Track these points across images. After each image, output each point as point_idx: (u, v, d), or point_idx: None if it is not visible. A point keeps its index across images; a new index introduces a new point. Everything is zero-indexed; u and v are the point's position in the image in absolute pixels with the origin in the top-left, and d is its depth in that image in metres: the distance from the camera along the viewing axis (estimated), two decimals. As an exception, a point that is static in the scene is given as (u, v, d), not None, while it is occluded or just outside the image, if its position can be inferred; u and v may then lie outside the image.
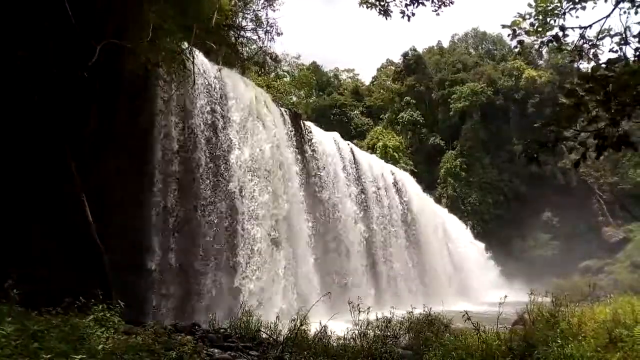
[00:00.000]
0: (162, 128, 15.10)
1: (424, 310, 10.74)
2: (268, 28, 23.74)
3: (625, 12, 5.39)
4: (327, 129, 29.16)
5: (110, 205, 13.11)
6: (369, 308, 9.01)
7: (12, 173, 11.37)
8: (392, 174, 32.32)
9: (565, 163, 45.88)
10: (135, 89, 13.98)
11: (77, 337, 5.92)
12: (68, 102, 12.00)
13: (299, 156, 21.72)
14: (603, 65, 4.01)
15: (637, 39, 4.35)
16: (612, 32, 5.67)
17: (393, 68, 62.87)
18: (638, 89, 3.56)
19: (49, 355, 4.93)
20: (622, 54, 5.13)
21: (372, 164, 30.40)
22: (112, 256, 11.96)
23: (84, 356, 5.19)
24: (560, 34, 6.03)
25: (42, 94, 11.29)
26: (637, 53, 4.19)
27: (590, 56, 5.95)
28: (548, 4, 6.34)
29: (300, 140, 22.78)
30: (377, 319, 9.58)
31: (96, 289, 7.48)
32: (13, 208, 11.26)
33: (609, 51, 5.41)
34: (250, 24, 23.93)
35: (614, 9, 5.43)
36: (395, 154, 48.05)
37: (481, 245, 40.70)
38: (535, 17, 6.41)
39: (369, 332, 8.89)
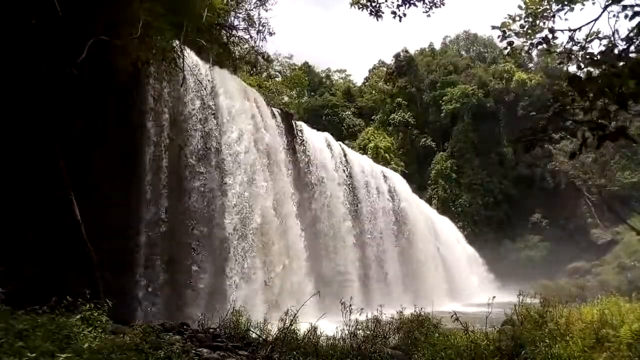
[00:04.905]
0: (152, 126, 15.00)
1: (414, 311, 10.75)
2: (260, 27, 23.64)
3: (614, 16, 5.43)
4: (318, 129, 29.18)
5: (99, 204, 12.99)
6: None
7: (1, 172, 11.24)
8: (383, 174, 32.42)
9: (554, 165, 46.33)
10: (125, 87, 13.86)
11: (64, 336, 5.84)
12: (57, 99, 11.88)
13: (290, 155, 21.75)
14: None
15: (625, 42, 4.39)
16: (600, 35, 5.71)
17: (385, 69, 62.96)
18: (622, 89, 3.62)
19: (33, 354, 4.86)
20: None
21: (364, 165, 30.48)
22: (100, 256, 11.84)
23: (70, 355, 5.12)
24: (550, 36, 6.07)
25: (31, 91, 11.17)
26: (623, 54, 4.23)
27: (580, 59, 5.99)
28: (537, 6, 6.38)
29: (292, 140, 22.81)
30: (367, 319, 9.58)
31: (84, 288, 7.39)
32: (1, 207, 11.14)
33: (598, 54, 5.44)
34: (242, 23, 23.83)
35: (602, 12, 5.47)
36: (386, 154, 48.21)
37: (470, 247, 40.92)
38: (525, 19, 6.44)
39: (358, 332, 8.89)
